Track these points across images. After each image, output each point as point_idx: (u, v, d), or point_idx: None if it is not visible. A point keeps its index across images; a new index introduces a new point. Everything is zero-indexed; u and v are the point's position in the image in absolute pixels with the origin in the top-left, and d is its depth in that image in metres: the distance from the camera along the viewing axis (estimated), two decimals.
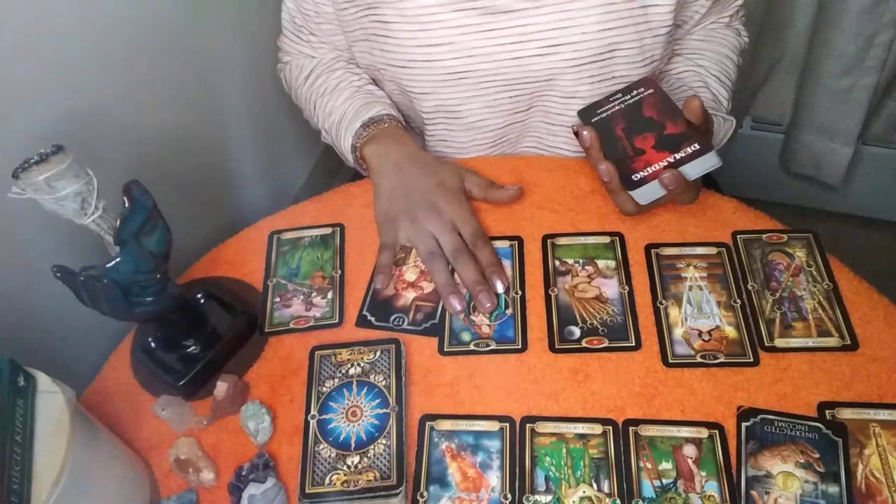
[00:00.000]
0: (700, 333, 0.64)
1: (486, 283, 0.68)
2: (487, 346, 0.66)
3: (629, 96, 0.75)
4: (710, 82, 0.82)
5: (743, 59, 0.89)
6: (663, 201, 0.72)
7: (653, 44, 0.76)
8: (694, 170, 0.68)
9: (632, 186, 0.69)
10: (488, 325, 0.67)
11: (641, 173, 0.69)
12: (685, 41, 0.87)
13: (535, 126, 0.83)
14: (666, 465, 0.57)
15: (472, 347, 0.66)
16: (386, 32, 0.77)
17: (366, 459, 0.59)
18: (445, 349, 0.66)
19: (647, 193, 0.69)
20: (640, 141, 0.71)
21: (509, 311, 0.68)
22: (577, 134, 0.75)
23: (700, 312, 0.66)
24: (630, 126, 0.73)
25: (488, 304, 0.67)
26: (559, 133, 0.82)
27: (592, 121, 0.75)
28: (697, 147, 0.68)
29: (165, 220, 0.62)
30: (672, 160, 0.68)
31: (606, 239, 0.72)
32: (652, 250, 0.71)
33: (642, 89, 0.75)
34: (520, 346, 0.65)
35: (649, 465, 0.57)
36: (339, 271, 0.73)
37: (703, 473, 0.56)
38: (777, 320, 0.64)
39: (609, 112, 0.75)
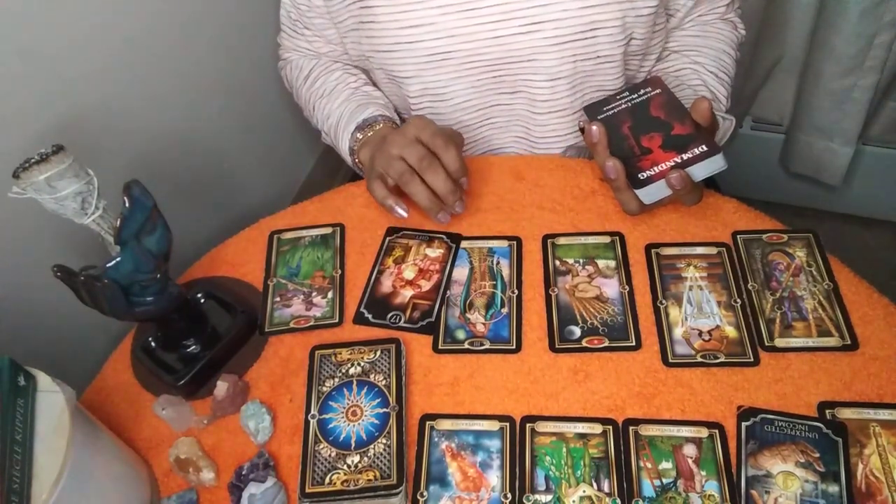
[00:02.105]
0: (700, 333, 0.64)
1: (458, 191, 0.71)
2: (482, 344, 0.66)
3: (636, 95, 0.75)
4: (708, 80, 0.82)
5: (742, 57, 0.89)
6: (667, 201, 0.72)
7: (635, 22, 0.76)
8: (700, 171, 0.68)
9: (638, 185, 0.69)
10: (483, 324, 0.67)
11: (648, 172, 0.69)
12: (681, 37, 0.86)
13: (520, 114, 0.83)
14: (666, 465, 0.57)
15: (466, 346, 0.66)
16: (371, 18, 0.77)
17: (366, 459, 0.59)
18: (439, 347, 0.66)
19: (653, 193, 0.69)
20: (647, 140, 0.71)
21: (505, 310, 0.68)
22: (582, 130, 0.75)
23: (700, 312, 0.66)
24: (637, 125, 0.73)
25: (446, 221, 0.73)
26: (546, 122, 0.82)
27: (598, 117, 0.75)
28: (705, 148, 0.68)
29: (165, 219, 0.63)
30: (679, 160, 0.68)
31: (607, 239, 0.72)
32: (652, 250, 0.71)
33: (650, 89, 0.75)
34: (514, 347, 0.65)
35: (649, 465, 0.57)
36: (340, 271, 0.73)
37: (704, 473, 0.56)
38: (777, 320, 0.64)
39: (616, 110, 0.75)
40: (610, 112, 0.75)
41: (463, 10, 0.74)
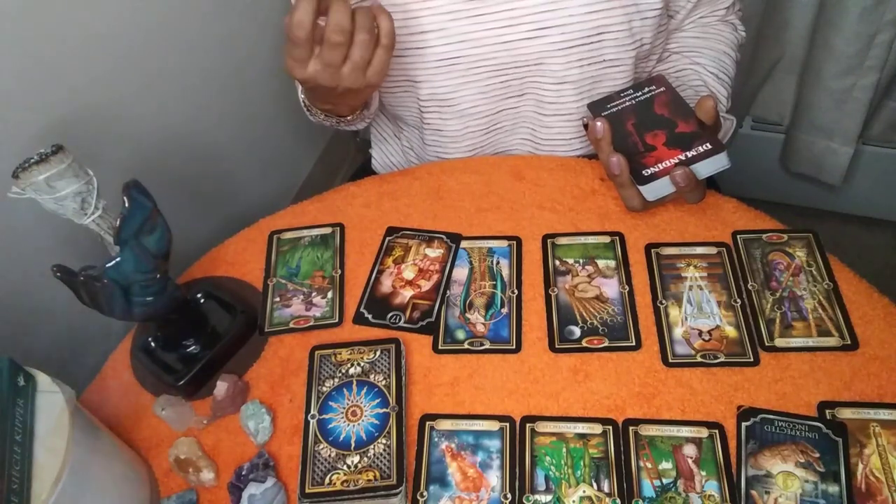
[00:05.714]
0: (700, 333, 0.64)
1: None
2: (482, 345, 0.66)
3: (640, 93, 0.76)
4: (709, 81, 0.83)
5: (742, 57, 0.89)
6: (669, 199, 0.72)
7: (641, 26, 0.76)
8: (704, 169, 0.68)
9: (642, 181, 0.69)
10: (483, 324, 0.67)
11: (652, 169, 0.69)
12: (681, 38, 0.86)
13: (527, 115, 0.83)
14: (666, 465, 0.57)
15: (466, 346, 0.66)
16: None
17: (366, 459, 0.59)
18: (440, 347, 0.66)
19: (657, 189, 0.69)
20: (651, 137, 0.72)
21: (505, 310, 0.68)
22: (586, 126, 0.75)
23: (700, 312, 0.66)
24: (641, 122, 0.73)
25: None
26: (552, 124, 0.82)
27: (603, 114, 0.75)
28: (709, 146, 0.68)
29: (165, 219, 0.63)
30: (683, 158, 0.69)
31: (606, 238, 0.72)
32: (652, 250, 0.71)
33: (654, 87, 0.76)
34: (514, 347, 0.65)
35: (649, 465, 0.57)
36: (339, 271, 0.73)
37: (704, 473, 0.56)
38: (777, 320, 0.64)
39: (620, 107, 0.75)
40: (614, 109, 0.75)
41: (472, 15, 0.74)
